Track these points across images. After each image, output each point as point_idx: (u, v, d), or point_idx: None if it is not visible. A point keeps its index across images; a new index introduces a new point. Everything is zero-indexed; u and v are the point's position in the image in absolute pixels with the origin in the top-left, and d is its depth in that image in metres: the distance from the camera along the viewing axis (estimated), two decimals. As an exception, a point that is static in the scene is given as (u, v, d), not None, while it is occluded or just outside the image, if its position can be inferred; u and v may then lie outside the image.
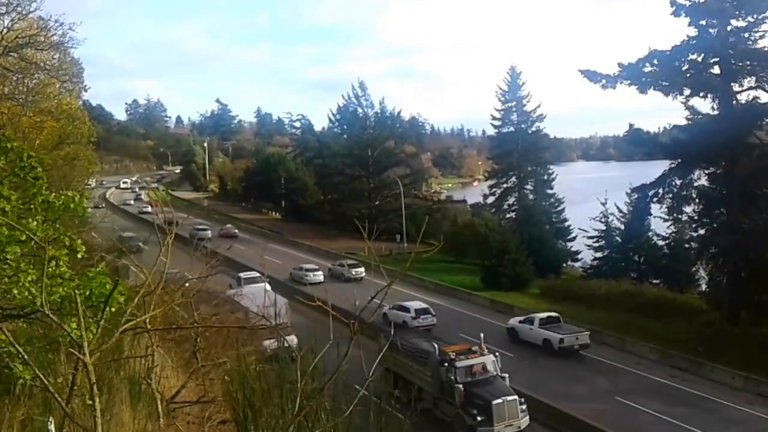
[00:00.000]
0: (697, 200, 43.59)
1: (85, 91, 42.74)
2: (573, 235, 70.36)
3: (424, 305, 40.36)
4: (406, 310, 39.49)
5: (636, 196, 48.88)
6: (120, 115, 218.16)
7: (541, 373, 32.09)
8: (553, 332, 35.20)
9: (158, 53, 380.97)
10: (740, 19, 39.45)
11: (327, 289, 23.41)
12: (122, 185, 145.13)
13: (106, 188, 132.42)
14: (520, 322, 37.69)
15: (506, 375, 25.71)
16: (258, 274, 40.53)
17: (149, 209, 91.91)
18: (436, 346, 26.41)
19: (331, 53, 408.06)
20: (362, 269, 53.07)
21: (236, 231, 76.24)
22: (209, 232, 65.85)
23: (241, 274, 42.78)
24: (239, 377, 6.53)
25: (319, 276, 52.57)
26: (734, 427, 26.21)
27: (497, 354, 27.20)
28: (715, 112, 41.32)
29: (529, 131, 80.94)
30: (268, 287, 31.82)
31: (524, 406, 24.56)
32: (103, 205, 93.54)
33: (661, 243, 57.48)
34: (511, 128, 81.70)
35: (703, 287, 49.72)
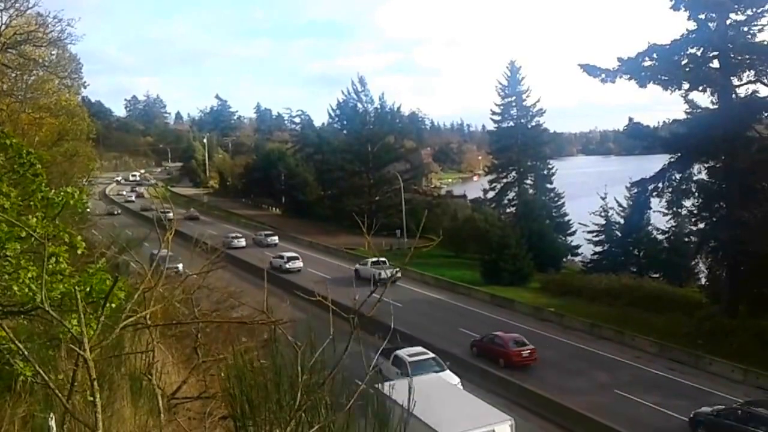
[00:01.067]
0: (696, 194, 43.57)
1: (84, 87, 42.57)
2: (573, 229, 70.39)
3: (294, 254, 57.33)
4: (282, 257, 55.91)
5: (635, 190, 48.82)
6: (119, 111, 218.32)
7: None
8: (376, 269, 44.17)
9: (157, 49, 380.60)
10: (739, 12, 39.34)
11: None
12: (131, 178, 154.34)
13: (106, 185, 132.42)
14: (360, 264, 50.54)
15: None
16: (430, 354, 28.52)
17: (133, 198, 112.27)
18: None
19: (330, 49, 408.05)
20: (276, 237, 70.34)
21: (197, 214, 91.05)
22: (171, 213, 74.63)
23: (405, 355, 27.70)
24: (237, 372, 6.54)
25: (242, 242, 66.99)
26: (734, 420, 26.25)
27: None
28: (715, 106, 41.29)
29: (529, 126, 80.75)
30: (455, 378, 25.96)
31: None
32: (119, 211, 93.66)
33: (660, 237, 57.47)
34: (511, 123, 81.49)
35: (703, 281, 49.74)
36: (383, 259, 46.66)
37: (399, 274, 47.20)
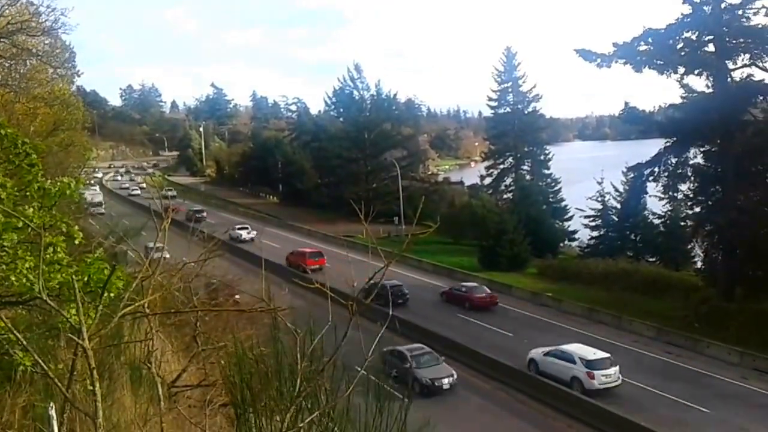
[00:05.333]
0: (692, 178, 43.65)
1: (78, 76, 42.28)
2: (570, 214, 70.47)
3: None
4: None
5: (632, 174, 48.94)
6: (115, 100, 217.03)
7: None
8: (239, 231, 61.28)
9: (153, 39, 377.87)
10: (734, -5, 39.24)
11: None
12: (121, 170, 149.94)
13: (103, 175, 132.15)
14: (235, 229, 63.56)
15: None
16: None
17: (120, 179, 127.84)
18: None
19: (325, 36, 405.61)
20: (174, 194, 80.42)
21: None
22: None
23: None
24: (237, 360, 6.56)
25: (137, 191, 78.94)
26: (729, 401, 26.49)
27: None
28: (710, 90, 41.28)
29: (526, 112, 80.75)
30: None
31: None
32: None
33: (657, 221, 57.71)
34: (508, 109, 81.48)
35: (699, 264, 49.89)
36: (246, 226, 54.93)
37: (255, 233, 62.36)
